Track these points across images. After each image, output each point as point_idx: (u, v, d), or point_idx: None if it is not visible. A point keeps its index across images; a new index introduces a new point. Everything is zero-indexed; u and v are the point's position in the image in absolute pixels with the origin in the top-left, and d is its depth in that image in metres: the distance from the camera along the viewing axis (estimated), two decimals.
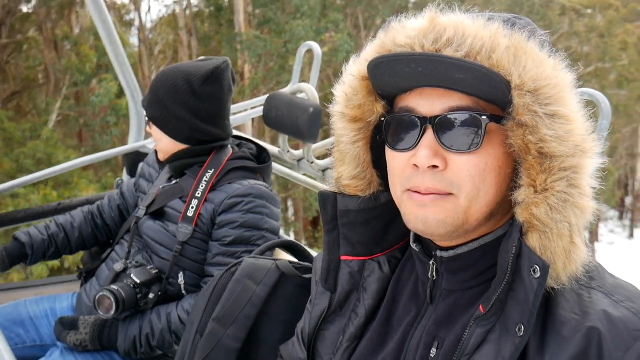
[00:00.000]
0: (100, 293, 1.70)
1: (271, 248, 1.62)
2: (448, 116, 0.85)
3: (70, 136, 15.56)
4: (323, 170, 2.15)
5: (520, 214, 0.83)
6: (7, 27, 13.97)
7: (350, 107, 0.97)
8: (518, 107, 0.80)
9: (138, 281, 1.74)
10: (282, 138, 2.24)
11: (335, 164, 1.04)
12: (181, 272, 1.83)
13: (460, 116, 0.84)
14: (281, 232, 1.99)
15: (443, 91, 0.86)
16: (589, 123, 0.83)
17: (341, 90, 0.98)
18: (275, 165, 2.26)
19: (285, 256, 1.78)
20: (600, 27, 18.11)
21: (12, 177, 9.34)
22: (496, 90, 0.81)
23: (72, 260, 9.11)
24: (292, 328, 1.26)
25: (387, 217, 1.04)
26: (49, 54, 14.52)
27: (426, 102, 0.87)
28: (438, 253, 0.94)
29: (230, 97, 1.98)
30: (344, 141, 1.00)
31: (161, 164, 2.07)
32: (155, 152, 2.07)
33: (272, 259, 1.46)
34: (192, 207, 1.82)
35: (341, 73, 1.00)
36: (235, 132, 2.14)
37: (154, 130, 1.93)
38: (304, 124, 1.95)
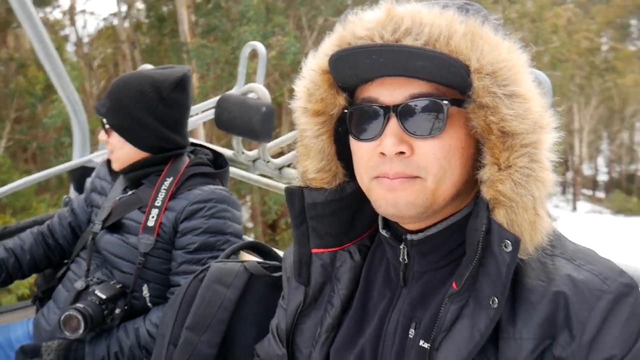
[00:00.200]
0: (66, 313, 1.64)
1: (237, 251, 1.60)
2: (410, 103, 0.87)
3: (23, 160, 14.93)
4: (280, 169, 2.14)
5: (487, 192, 0.85)
6: None
7: (312, 102, 0.97)
8: (478, 89, 0.83)
9: (104, 297, 1.68)
10: (236, 140, 2.22)
11: (300, 158, 1.05)
12: (145, 285, 1.78)
13: (422, 102, 0.86)
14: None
15: (404, 80, 0.87)
16: (544, 100, 0.86)
17: (302, 85, 0.99)
18: (230, 169, 2.24)
19: (249, 258, 1.77)
20: (531, 13, 18.82)
21: None
22: (456, 75, 0.84)
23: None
24: (265, 328, 1.26)
25: (353, 207, 1.05)
26: None
27: (388, 92, 0.89)
28: (408, 237, 0.96)
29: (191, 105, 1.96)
30: (309, 135, 1.01)
31: (114, 175, 2.01)
32: (108, 163, 2.01)
33: (239, 262, 1.45)
34: (153, 217, 1.78)
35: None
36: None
37: (115, 138, 1.87)
38: (257, 124, 1.94)
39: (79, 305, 1.65)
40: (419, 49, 0.83)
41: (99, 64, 19.05)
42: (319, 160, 1.02)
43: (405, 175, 0.88)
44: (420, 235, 0.95)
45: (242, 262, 1.45)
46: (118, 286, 1.76)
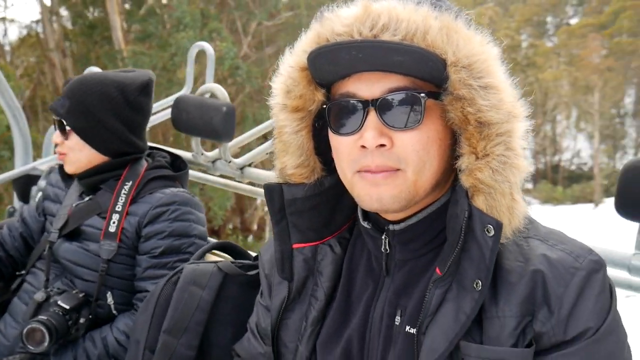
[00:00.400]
0: (29, 326, 1.57)
1: (208, 251, 1.59)
2: (388, 97, 0.89)
3: None
4: (241, 169, 2.14)
5: (466, 180, 0.89)
6: None
7: (291, 98, 0.98)
8: (455, 82, 0.86)
9: (67, 307, 1.62)
10: (195, 141, 2.20)
11: (278, 154, 1.06)
12: (109, 292, 1.74)
13: (400, 96, 0.89)
14: None
15: (381, 74, 0.90)
16: (515, 91, 0.91)
17: (281, 82, 1.00)
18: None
19: (215, 259, 1.77)
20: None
21: None
22: (432, 69, 0.87)
23: None
24: (242, 327, 1.26)
25: (333, 201, 1.07)
26: None
27: (366, 86, 0.91)
28: (390, 227, 0.99)
29: None
30: (287, 132, 1.02)
31: (67, 181, 1.94)
32: (60, 169, 1.94)
33: (212, 262, 1.45)
34: (114, 223, 1.74)
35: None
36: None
37: (74, 141, 1.80)
38: (219, 124, 1.93)
39: (42, 317, 1.59)
40: (398, 44, 0.86)
41: (22, 73, 18.06)
42: (297, 156, 1.03)
43: (388, 167, 0.90)
44: (402, 225, 0.98)
45: (215, 262, 1.44)
46: (81, 295, 1.70)
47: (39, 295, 1.69)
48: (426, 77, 0.89)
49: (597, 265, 0.89)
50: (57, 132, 1.82)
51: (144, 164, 1.87)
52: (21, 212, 2.11)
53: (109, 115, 1.77)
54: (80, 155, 1.81)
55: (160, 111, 2.72)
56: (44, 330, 1.56)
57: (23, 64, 18.27)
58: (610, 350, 0.87)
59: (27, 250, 2.02)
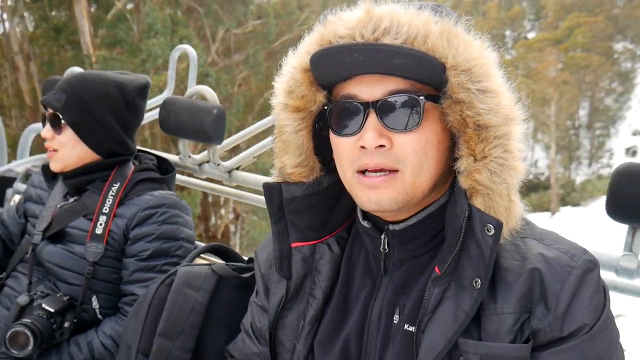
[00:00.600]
0: (13, 329, 1.53)
1: (200, 254, 1.59)
2: (389, 99, 0.91)
3: None
4: (229, 172, 2.13)
5: (464, 182, 0.91)
6: None
7: (293, 99, 1.00)
8: (454, 86, 0.89)
9: (52, 310, 1.59)
10: (183, 143, 2.19)
11: (277, 153, 1.07)
12: (94, 296, 1.71)
13: (400, 98, 0.91)
14: None
15: (382, 77, 0.92)
16: (512, 94, 0.94)
17: (283, 82, 1.01)
18: None
19: (201, 262, 1.76)
20: None
21: None
22: (432, 72, 0.89)
23: None
24: (236, 329, 1.26)
25: (331, 200, 1.08)
26: None
27: (366, 88, 0.93)
28: (390, 227, 1.01)
29: None
30: (288, 131, 1.03)
31: (51, 182, 1.90)
32: (44, 170, 1.90)
33: (206, 264, 1.44)
34: (101, 224, 1.71)
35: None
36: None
37: (67, 136, 1.77)
38: (210, 126, 1.93)
39: (26, 320, 1.55)
40: (400, 48, 0.88)
41: None
42: (297, 155, 1.04)
43: (386, 167, 0.92)
44: (402, 225, 1.00)
45: (209, 264, 1.44)
46: (65, 298, 1.67)
47: (22, 299, 1.64)
48: (425, 80, 0.92)
49: (591, 264, 0.92)
50: (48, 127, 1.78)
51: (131, 166, 1.86)
52: (0, 214, 2.05)
53: (107, 114, 1.77)
54: (72, 152, 1.78)
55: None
56: (29, 333, 1.53)
57: None
58: (604, 347, 0.90)
59: (7, 254, 1.97)
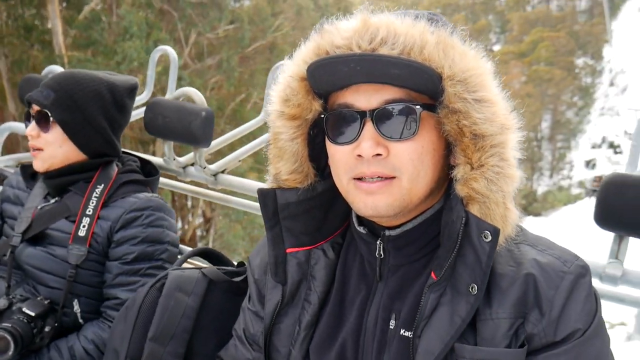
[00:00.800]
0: None
1: (190, 257, 1.57)
2: (386, 108, 0.92)
3: None
4: (214, 175, 2.11)
5: (461, 189, 0.93)
6: None
7: (289, 107, 1.00)
8: (450, 95, 0.90)
9: (33, 314, 1.54)
10: (168, 145, 2.16)
11: (272, 160, 1.07)
12: (76, 300, 1.66)
13: (397, 107, 0.92)
14: None
15: (378, 86, 0.93)
16: (507, 103, 0.96)
17: (280, 90, 1.02)
18: None
19: (188, 266, 1.74)
20: None
21: None
22: (428, 82, 0.91)
23: None
24: (226, 334, 1.25)
25: (326, 206, 1.09)
26: None
27: (363, 98, 0.94)
28: (386, 233, 1.01)
29: None
30: (283, 138, 1.03)
31: (30, 181, 1.85)
32: (22, 170, 1.84)
33: (197, 268, 1.43)
34: (84, 226, 1.67)
35: None
36: None
37: (55, 135, 1.72)
38: (198, 128, 1.91)
39: (6, 324, 1.50)
40: (396, 58, 0.89)
41: None
42: (292, 162, 1.05)
43: (383, 174, 0.93)
44: (398, 231, 1.01)
45: (199, 268, 1.43)
46: (46, 302, 1.62)
47: (1, 302, 1.59)
48: (422, 90, 0.93)
49: (583, 270, 0.95)
50: (33, 125, 1.73)
51: (115, 168, 1.82)
52: None
53: (97, 113, 1.74)
54: (58, 151, 1.74)
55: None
56: (9, 338, 1.48)
57: None
58: (597, 351, 0.92)
59: None
